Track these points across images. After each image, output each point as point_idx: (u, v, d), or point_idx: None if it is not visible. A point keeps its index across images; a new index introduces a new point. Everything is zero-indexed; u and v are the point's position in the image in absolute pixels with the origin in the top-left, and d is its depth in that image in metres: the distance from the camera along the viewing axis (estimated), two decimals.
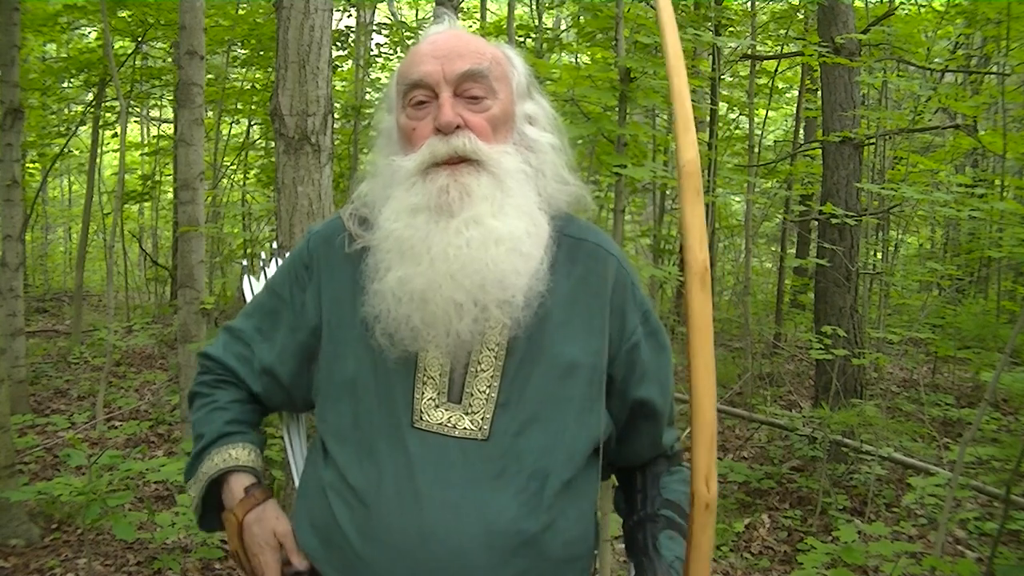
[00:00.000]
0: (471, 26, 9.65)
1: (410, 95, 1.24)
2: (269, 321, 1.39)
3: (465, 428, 1.20)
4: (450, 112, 1.19)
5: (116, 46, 7.98)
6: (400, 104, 1.26)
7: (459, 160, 1.20)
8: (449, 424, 1.20)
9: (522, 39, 8.16)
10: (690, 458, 1.08)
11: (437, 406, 1.21)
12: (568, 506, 1.23)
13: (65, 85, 9.05)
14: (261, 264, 2.08)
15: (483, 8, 9.34)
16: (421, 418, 1.21)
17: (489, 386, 1.21)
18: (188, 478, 1.39)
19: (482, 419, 1.20)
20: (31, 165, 10.58)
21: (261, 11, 7.83)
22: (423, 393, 1.22)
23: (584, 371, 1.24)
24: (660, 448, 1.39)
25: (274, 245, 2.42)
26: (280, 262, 2.14)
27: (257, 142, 9.89)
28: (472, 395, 1.21)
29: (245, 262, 2.00)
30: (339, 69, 8.52)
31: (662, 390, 1.34)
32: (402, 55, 8.05)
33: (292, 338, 1.35)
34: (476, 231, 1.18)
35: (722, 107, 8.90)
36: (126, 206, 10.61)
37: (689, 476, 1.41)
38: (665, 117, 10.10)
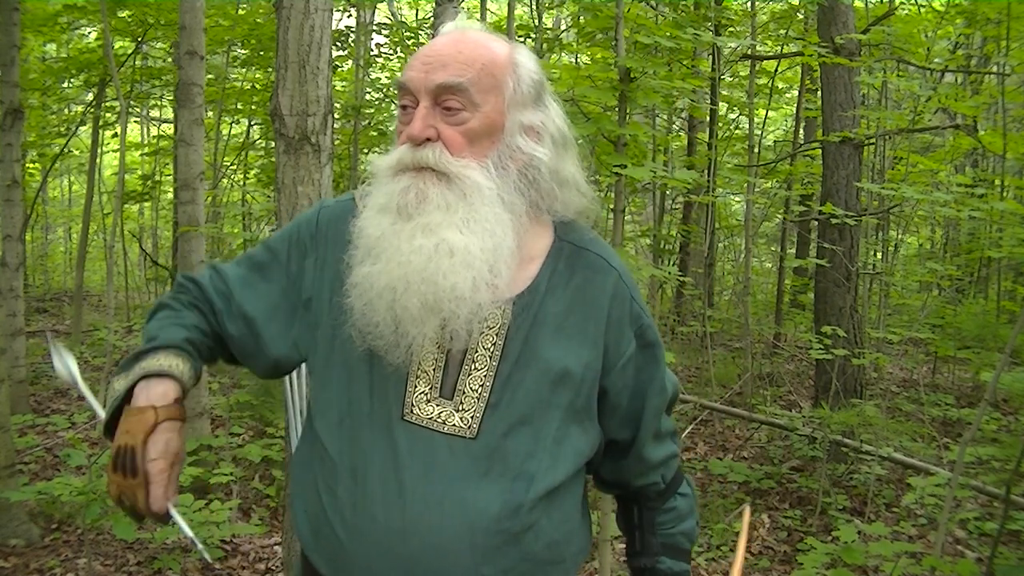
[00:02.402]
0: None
1: (401, 100, 1.26)
2: (258, 273, 1.37)
3: (454, 425, 1.21)
4: (419, 125, 1.20)
5: (116, 46, 7.98)
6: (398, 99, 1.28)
7: (424, 168, 1.21)
8: (439, 420, 1.21)
9: (522, 39, 8.16)
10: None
11: (428, 400, 1.22)
12: (553, 509, 1.23)
13: (65, 85, 9.05)
14: None
15: (483, 8, 9.34)
16: (412, 411, 1.22)
17: (482, 385, 1.22)
18: (120, 373, 1.29)
19: (472, 417, 1.21)
20: (31, 165, 10.58)
21: (261, 11, 7.83)
22: (416, 387, 1.23)
23: (575, 380, 1.24)
24: (644, 462, 1.37)
25: None
26: None
27: (257, 142, 9.89)
28: (464, 393, 1.22)
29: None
30: (339, 69, 8.53)
31: (651, 404, 1.34)
32: (402, 55, 8.06)
33: (283, 299, 1.34)
34: (429, 239, 1.18)
35: (722, 107, 8.91)
36: (126, 206, 10.61)
37: (685, 509, 1.41)
38: (665, 117, 10.12)
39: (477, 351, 1.23)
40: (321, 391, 1.29)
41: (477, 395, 1.22)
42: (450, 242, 1.18)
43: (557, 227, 1.31)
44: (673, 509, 1.41)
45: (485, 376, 1.22)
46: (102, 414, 1.30)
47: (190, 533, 1.25)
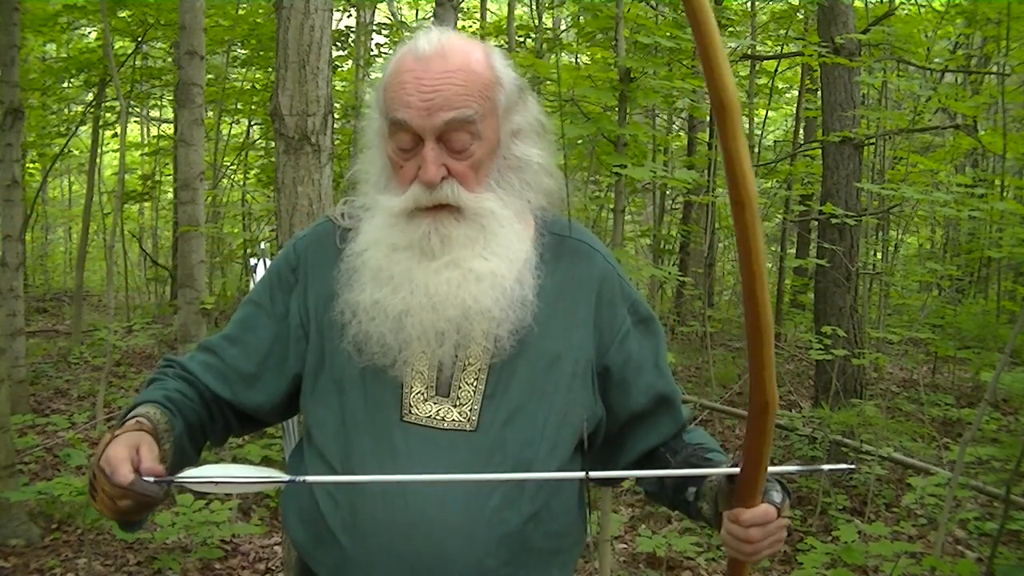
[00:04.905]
0: (470, 26, 9.65)
1: (396, 136, 1.22)
2: (239, 328, 1.37)
3: (454, 420, 1.22)
4: (433, 169, 1.19)
5: (116, 46, 7.98)
6: (387, 128, 1.24)
7: (441, 207, 1.21)
8: (438, 417, 1.23)
9: (522, 39, 8.15)
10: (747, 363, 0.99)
11: (425, 400, 1.23)
12: (552, 498, 1.25)
13: (65, 85, 9.05)
14: (259, 255, 2.07)
15: (483, 8, 9.33)
16: (410, 412, 1.23)
17: (476, 379, 1.24)
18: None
19: (470, 411, 1.23)
20: (31, 165, 10.58)
21: (261, 11, 7.83)
22: (412, 387, 1.24)
23: (568, 363, 1.26)
24: (680, 422, 1.40)
25: (262, 246, 2.42)
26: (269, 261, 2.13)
27: (257, 142, 9.88)
28: (460, 388, 1.24)
29: (253, 261, 2.00)
30: (339, 69, 8.52)
31: (662, 373, 1.36)
32: None
33: (276, 343, 1.34)
34: (455, 272, 1.21)
35: None
36: (126, 206, 10.61)
37: (702, 432, 1.42)
38: (665, 117, 10.11)
39: (470, 346, 1.24)
40: (314, 407, 1.30)
41: (473, 388, 1.23)
42: (477, 271, 1.21)
43: (536, 218, 1.33)
44: (693, 430, 1.43)
45: (479, 369, 1.24)
46: None
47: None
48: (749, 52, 7.06)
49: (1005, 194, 7.61)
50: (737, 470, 1.08)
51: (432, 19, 3.69)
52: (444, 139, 1.20)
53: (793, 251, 11.03)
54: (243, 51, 8.20)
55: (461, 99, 1.19)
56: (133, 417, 1.21)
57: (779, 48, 8.83)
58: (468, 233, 1.22)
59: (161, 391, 1.30)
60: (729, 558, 1.18)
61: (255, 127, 9.91)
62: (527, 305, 1.23)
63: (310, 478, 1.16)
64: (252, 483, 1.12)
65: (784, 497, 1.16)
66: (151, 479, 1.08)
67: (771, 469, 1.13)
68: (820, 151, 6.68)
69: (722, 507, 1.16)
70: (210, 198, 8.12)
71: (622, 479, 1.20)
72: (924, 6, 8.18)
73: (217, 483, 1.11)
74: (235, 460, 4.61)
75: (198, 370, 1.35)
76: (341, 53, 8.13)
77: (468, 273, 1.21)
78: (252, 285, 2.06)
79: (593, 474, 1.12)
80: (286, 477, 1.12)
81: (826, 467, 1.18)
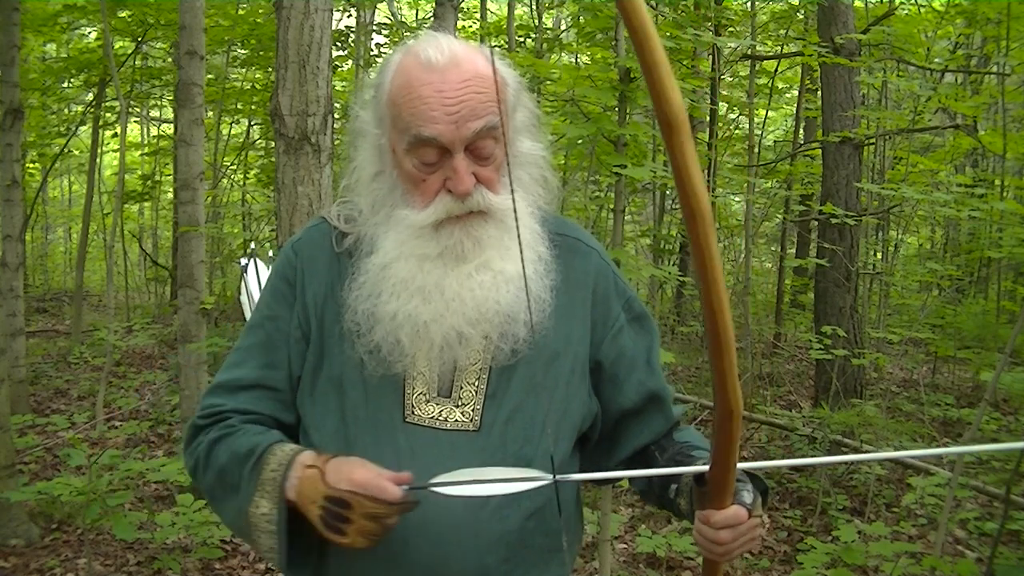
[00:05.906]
0: (470, 26, 9.65)
1: (419, 151, 1.20)
2: (271, 351, 1.31)
3: (456, 421, 1.23)
4: (467, 180, 1.19)
5: (116, 46, 7.98)
6: (403, 145, 1.22)
7: (470, 213, 1.22)
8: (440, 418, 1.23)
9: (522, 39, 8.15)
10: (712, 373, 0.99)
11: (428, 400, 1.24)
12: (552, 495, 1.24)
13: (65, 85, 9.05)
14: (251, 255, 2.06)
15: (483, 8, 9.33)
16: (413, 413, 1.23)
17: (478, 378, 1.25)
18: (247, 502, 1.20)
19: (472, 410, 1.23)
20: (31, 165, 10.59)
21: (261, 11, 7.83)
22: (413, 388, 1.24)
23: (566, 360, 1.28)
24: (672, 420, 1.39)
25: (252, 246, 2.43)
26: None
27: (257, 142, 9.89)
28: (462, 388, 1.24)
29: (244, 261, 1.99)
30: (339, 69, 8.53)
31: (653, 371, 1.37)
32: None
33: (309, 351, 1.31)
34: (486, 275, 1.22)
35: (722, 107, 8.90)
36: (126, 206, 10.61)
37: (694, 431, 1.42)
38: None
39: (471, 346, 1.24)
40: (312, 408, 1.29)
41: (474, 388, 1.24)
42: (507, 273, 1.22)
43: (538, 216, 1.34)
44: (685, 429, 1.42)
45: (480, 369, 1.25)
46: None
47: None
48: (749, 52, 7.06)
49: (1005, 194, 7.60)
50: (705, 468, 1.08)
51: (432, 19, 3.68)
52: (470, 148, 1.20)
53: (793, 251, 11.03)
54: (243, 51, 8.20)
55: (485, 107, 1.18)
56: (297, 452, 1.19)
57: (779, 48, 8.83)
58: (496, 233, 1.23)
59: (274, 433, 1.26)
60: (704, 558, 1.19)
61: (255, 127, 9.92)
62: (544, 306, 1.25)
63: (572, 476, 1.12)
64: (509, 484, 1.11)
65: (755, 497, 1.16)
66: (406, 487, 1.11)
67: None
68: (820, 151, 6.69)
69: (695, 507, 1.17)
70: (210, 198, 8.13)
71: (591, 480, 1.20)
72: (924, 6, 8.18)
73: (474, 486, 1.12)
74: None
75: (268, 409, 1.30)
76: (341, 53, 8.14)
77: (498, 275, 1.22)
78: (244, 286, 2.04)
79: (560, 477, 1.11)
80: (548, 477, 1.08)
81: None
